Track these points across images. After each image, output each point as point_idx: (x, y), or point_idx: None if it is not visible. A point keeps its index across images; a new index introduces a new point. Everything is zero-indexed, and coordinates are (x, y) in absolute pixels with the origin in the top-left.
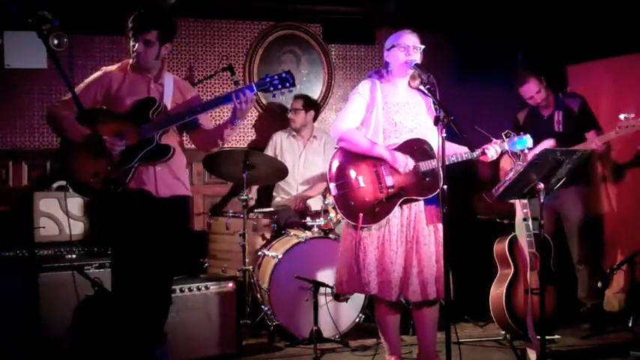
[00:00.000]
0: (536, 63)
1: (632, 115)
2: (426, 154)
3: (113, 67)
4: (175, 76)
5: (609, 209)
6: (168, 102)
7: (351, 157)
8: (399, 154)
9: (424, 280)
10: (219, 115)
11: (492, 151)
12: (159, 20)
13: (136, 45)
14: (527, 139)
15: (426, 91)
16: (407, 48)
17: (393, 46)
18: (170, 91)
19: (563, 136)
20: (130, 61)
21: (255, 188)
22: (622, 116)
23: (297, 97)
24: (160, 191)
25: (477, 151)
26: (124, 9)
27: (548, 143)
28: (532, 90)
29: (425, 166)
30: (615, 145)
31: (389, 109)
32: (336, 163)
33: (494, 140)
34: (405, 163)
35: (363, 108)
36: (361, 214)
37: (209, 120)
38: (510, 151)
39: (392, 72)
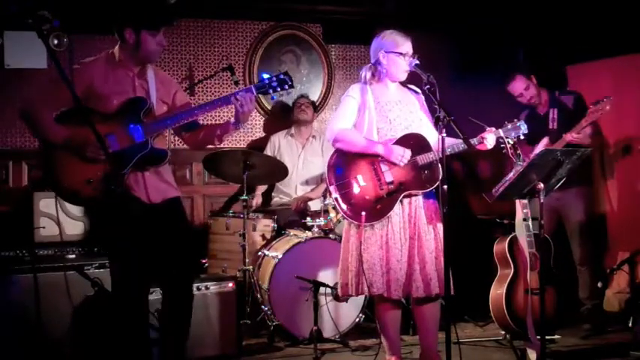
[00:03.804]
0: (535, 63)
1: (601, 101)
2: (423, 147)
3: (92, 61)
4: (155, 67)
5: (610, 209)
6: (154, 99)
7: (348, 157)
8: (394, 147)
9: (427, 275)
10: (219, 116)
11: (490, 138)
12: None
13: (160, 36)
14: (521, 126)
15: (415, 89)
16: (410, 56)
17: (395, 53)
18: (154, 86)
19: (558, 133)
20: (115, 54)
21: (260, 193)
22: (596, 104)
23: (302, 96)
24: (152, 197)
25: (474, 140)
26: (124, 9)
27: (543, 143)
28: (519, 87)
29: (422, 159)
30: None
31: (382, 107)
32: (333, 165)
33: (488, 129)
34: (402, 154)
35: (354, 109)
36: (363, 213)
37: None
38: (511, 150)
39: (386, 74)
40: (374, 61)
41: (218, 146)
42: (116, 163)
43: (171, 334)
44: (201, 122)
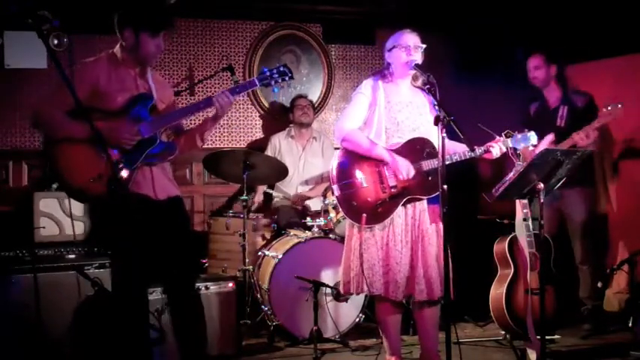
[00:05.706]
0: None
1: (613, 105)
2: (429, 153)
3: (95, 60)
4: (150, 69)
5: (612, 209)
6: (155, 98)
7: (353, 157)
8: (401, 160)
9: (430, 279)
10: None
11: (497, 149)
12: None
13: (159, 40)
14: (531, 137)
15: (427, 91)
16: (408, 48)
17: (393, 47)
18: (153, 86)
19: (565, 131)
20: (116, 53)
21: (261, 192)
22: (608, 107)
23: (301, 96)
24: (159, 194)
25: (481, 149)
26: (125, 9)
27: (548, 139)
28: (532, 63)
29: (427, 165)
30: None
31: (391, 108)
32: (338, 164)
33: (497, 138)
34: (407, 170)
35: (365, 107)
36: (364, 215)
37: None
38: (511, 151)
39: (394, 72)
40: (386, 64)
41: (202, 146)
42: (119, 163)
43: (180, 333)
44: (185, 128)
